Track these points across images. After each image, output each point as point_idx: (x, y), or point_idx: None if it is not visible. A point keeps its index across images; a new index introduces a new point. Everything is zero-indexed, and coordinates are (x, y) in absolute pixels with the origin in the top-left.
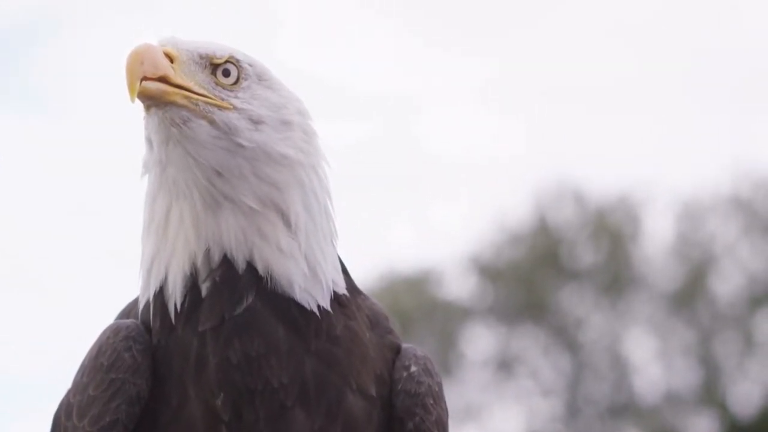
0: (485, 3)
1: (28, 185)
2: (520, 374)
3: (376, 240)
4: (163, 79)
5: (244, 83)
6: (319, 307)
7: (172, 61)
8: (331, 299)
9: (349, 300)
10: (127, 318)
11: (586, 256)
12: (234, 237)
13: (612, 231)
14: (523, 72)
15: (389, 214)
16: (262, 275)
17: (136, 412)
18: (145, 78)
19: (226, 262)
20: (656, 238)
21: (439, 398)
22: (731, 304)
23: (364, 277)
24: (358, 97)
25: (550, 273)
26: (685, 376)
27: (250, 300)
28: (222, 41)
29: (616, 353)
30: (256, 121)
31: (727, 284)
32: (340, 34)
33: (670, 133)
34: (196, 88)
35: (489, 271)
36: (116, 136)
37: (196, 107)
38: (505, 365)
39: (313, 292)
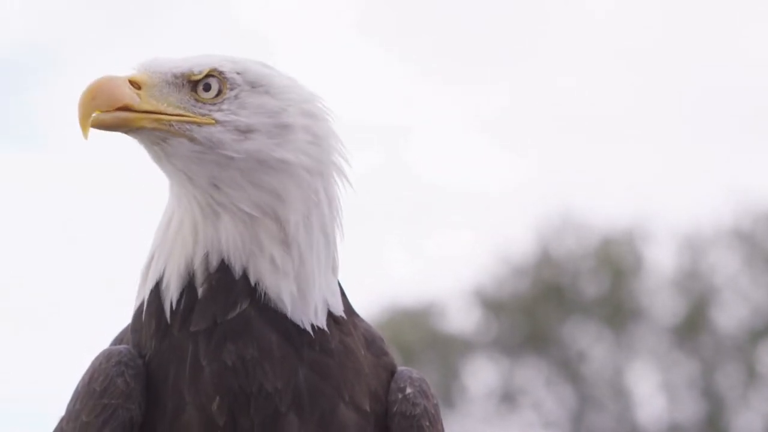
0: (487, 36)
1: (24, 217)
2: (524, 406)
3: (378, 272)
4: (126, 108)
5: (229, 93)
6: (312, 326)
7: (140, 87)
8: (326, 318)
9: (345, 320)
10: (120, 344)
11: (589, 288)
12: (232, 244)
13: (614, 263)
14: (526, 104)
15: (391, 246)
16: (252, 286)
17: None
18: (101, 112)
19: (224, 267)
20: (658, 271)
21: (435, 420)
22: (733, 336)
23: (365, 309)
24: (359, 127)
25: (553, 305)
26: (688, 408)
27: (244, 306)
28: (211, 53)
29: (619, 385)
30: (244, 131)
31: (729, 316)
32: (341, 65)
33: (671, 166)
34: (168, 110)
35: (492, 304)
36: (111, 170)
37: (170, 128)
38: (508, 397)
39: (302, 313)
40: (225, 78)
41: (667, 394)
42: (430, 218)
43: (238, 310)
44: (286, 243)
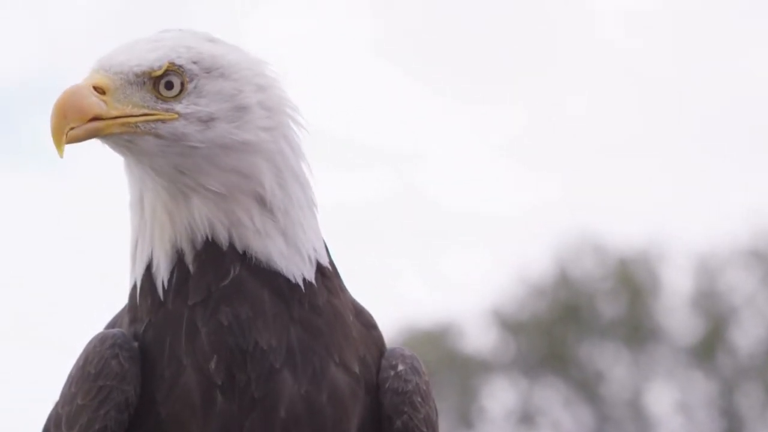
0: (503, 57)
1: (34, 239)
2: (542, 427)
3: (397, 294)
4: (96, 118)
5: (189, 86)
6: (303, 279)
7: (105, 92)
8: (315, 270)
9: (331, 273)
10: (114, 328)
11: (607, 309)
12: (209, 222)
13: (632, 284)
14: (541, 126)
15: (409, 267)
16: (241, 253)
17: (125, 419)
18: (72, 128)
19: (209, 242)
20: (676, 291)
21: (427, 397)
22: (752, 356)
23: (383, 330)
24: (376, 150)
25: (571, 326)
26: (707, 428)
27: (236, 272)
28: (163, 36)
29: (638, 405)
30: (206, 120)
31: (747, 336)
32: (356, 87)
33: (687, 186)
34: (134, 111)
35: (510, 324)
36: (121, 192)
37: (137, 129)
38: (526, 418)
39: (295, 266)
40: (183, 71)
41: (685, 414)
42: (448, 240)
43: (231, 277)
44: (265, 207)
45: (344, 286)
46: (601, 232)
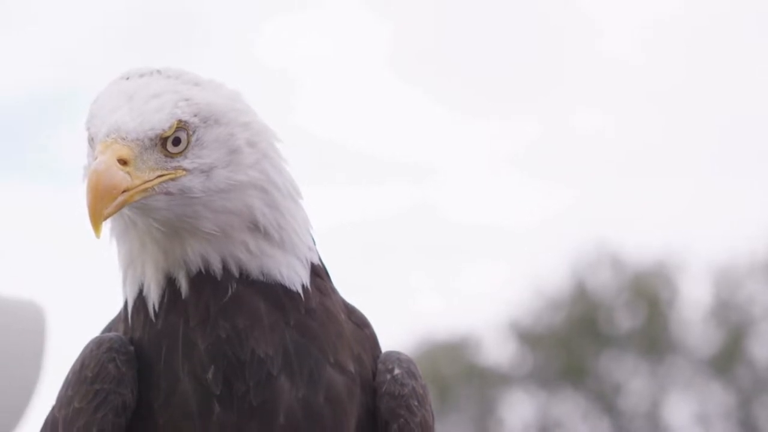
0: (516, 70)
1: (51, 254)
2: None
3: (414, 307)
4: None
5: (192, 138)
6: (302, 285)
7: (126, 162)
8: (310, 272)
9: (322, 272)
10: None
11: (625, 321)
12: (203, 255)
13: (649, 296)
14: (557, 138)
15: (425, 281)
16: (238, 275)
17: (122, 423)
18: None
19: (204, 271)
20: (694, 303)
21: (423, 400)
22: None
23: (401, 343)
24: (393, 166)
25: (589, 338)
26: None
27: (234, 288)
28: (159, 90)
29: (656, 417)
30: (207, 171)
31: (766, 347)
32: (369, 103)
33: (705, 197)
34: (151, 176)
35: (528, 337)
36: None
37: (154, 191)
38: (545, 430)
39: (294, 272)
40: (188, 125)
41: (703, 425)
42: (464, 253)
43: (229, 294)
44: (259, 232)
45: (334, 287)
46: (618, 243)
